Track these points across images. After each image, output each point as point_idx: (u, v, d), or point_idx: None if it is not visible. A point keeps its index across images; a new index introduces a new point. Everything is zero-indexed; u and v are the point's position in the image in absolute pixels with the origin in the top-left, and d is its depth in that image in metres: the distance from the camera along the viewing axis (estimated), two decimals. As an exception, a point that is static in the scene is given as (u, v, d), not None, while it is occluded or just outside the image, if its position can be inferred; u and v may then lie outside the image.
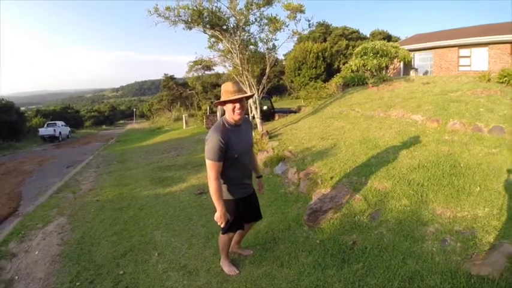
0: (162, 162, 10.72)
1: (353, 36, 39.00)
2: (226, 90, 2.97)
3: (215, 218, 3.11)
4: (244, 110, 3.08)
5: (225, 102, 3.01)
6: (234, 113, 2.99)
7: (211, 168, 2.98)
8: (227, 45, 11.19)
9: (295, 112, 17.30)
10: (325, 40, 38.65)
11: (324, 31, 40.11)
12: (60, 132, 29.57)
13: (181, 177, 8.11)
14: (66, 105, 61.85)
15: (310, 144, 7.72)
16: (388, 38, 37.32)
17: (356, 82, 14.07)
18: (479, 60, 19.78)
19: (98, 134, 37.67)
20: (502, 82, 9.47)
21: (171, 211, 5.80)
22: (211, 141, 2.93)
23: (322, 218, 4.43)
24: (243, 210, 3.39)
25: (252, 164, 3.50)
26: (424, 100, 8.83)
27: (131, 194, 7.23)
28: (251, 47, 12.09)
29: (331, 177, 5.39)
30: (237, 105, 2.99)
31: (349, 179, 5.18)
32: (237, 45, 10.89)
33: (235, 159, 3.07)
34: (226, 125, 3.06)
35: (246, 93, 3.08)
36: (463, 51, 20.77)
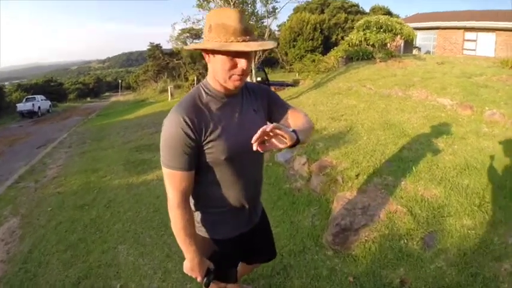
0: (141, 141, 9.35)
1: (352, 10, 37.53)
2: (224, 26, 1.36)
3: (184, 270, 1.72)
4: (248, 73, 1.52)
5: (215, 52, 1.43)
6: (230, 77, 1.44)
7: (169, 183, 1.52)
8: (220, 3, 9.73)
9: (292, 85, 16.02)
10: (322, 12, 36.93)
11: (322, 2, 38.35)
12: (39, 107, 27.64)
13: (160, 161, 6.69)
14: (48, 78, 59.01)
15: (320, 125, 6.37)
16: (389, 14, 35.91)
17: (361, 56, 12.94)
18: (486, 45, 19.36)
19: (81, 108, 35.18)
20: None
21: (144, 212, 4.51)
22: (167, 129, 1.45)
23: (354, 240, 3.15)
24: (239, 253, 1.95)
25: (260, 172, 1.85)
26: (448, 82, 7.75)
27: (99, 183, 5.95)
28: (248, 7, 10.67)
29: (357, 175, 4.09)
30: (242, 62, 1.41)
31: (383, 180, 3.90)
32: (232, 3, 9.47)
33: (223, 164, 1.56)
34: (204, 95, 1.54)
35: (260, 40, 1.47)
36: (469, 35, 20.36)
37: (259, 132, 1.27)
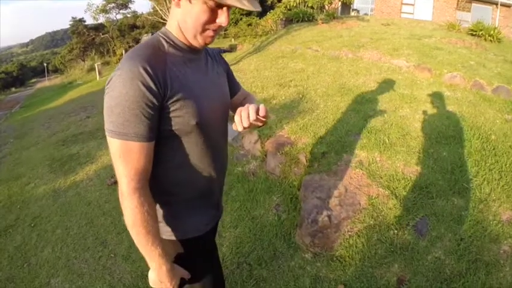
0: (68, 130, 8.12)
1: (288, -28, 36.73)
2: None
3: (150, 284, 1.26)
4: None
5: None
6: (202, 32, 1.14)
7: (121, 159, 1.07)
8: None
9: (229, 51, 15.17)
10: (256, -26, 35.93)
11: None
12: None
13: (90, 154, 5.75)
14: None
15: (267, 93, 5.68)
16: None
17: (301, 18, 12.28)
18: (423, 9, 19.64)
19: (4, 101, 30.58)
20: (474, 35, 8.80)
21: (75, 227, 3.63)
22: (118, 85, 1.04)
23: (336, 238, 2.56)
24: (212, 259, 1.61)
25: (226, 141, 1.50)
26: (399, 43, 7.42)
27: (22, 194, 4.91)
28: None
29: (323, 153, 3.50)
30: (224, 17, 1.12)
31: (355, 156, 3.34)
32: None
33: (192, 133, 1.20)
34: (166, 45, 1.18)
35: None
36: None
37: (252, 113, 1.10)
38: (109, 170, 4.73)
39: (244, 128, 1.12)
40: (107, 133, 1.07)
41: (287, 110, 4.76)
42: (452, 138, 3.57)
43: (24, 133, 9.86)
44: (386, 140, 3.48)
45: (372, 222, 2.64)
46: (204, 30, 1.13)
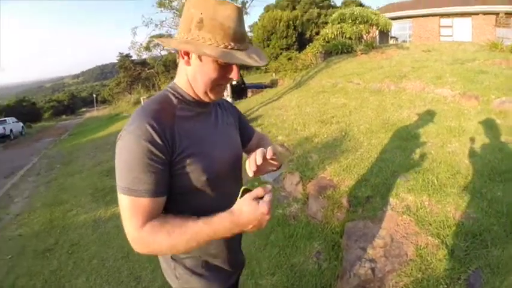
0: (112, 162, 8.29)
1: (324, 5, 37.61)
2: (222, 26, 1.05)
3: (255, 227, 1.06)
4: None
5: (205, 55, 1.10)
6: (213, 88, 1.16)
7: (132, 216, 1.04)
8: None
9: (270, 87, 15.32)
10: (294, 8, 36.74)
11: (292, -1, 38.18)
12: (11, 130, 25.59)
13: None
14: (20, 98, 57.21)
15: (309, 131, 5.61)
16: (361, 6, 35.95)
17: (340, 50, 12.25)
18: (462, 30, 19.21)
19: (54, 127, 33.09)
20: None
21: (111, 259, 3.68)
22: (125, 144, 1.05)
23: (381, 293, 2.41)
24: None
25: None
26: (441, 70, 7.16)
27: (64, 220, 5.11)
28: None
29: (368, 197, 3.36)
30: (234, 72, 1.14)
31: (401, 201, 3.15)
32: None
33: (203, 189, 1.18)
34: (175, 101, 1.18)
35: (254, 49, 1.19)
36: (445, 21, 20.07)
37: (259, 157, 1.08)
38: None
39: (255, 172, 1.11)
40: (117, 188, 1.06)
41: (329, 150, 4.67)
42: (506, 174, 3.31)
43: (71, 160, 10.39)
44: (435, 181, 3.28)
45: (419, 275, 2.44)
46: (214, 86, 1.14)
